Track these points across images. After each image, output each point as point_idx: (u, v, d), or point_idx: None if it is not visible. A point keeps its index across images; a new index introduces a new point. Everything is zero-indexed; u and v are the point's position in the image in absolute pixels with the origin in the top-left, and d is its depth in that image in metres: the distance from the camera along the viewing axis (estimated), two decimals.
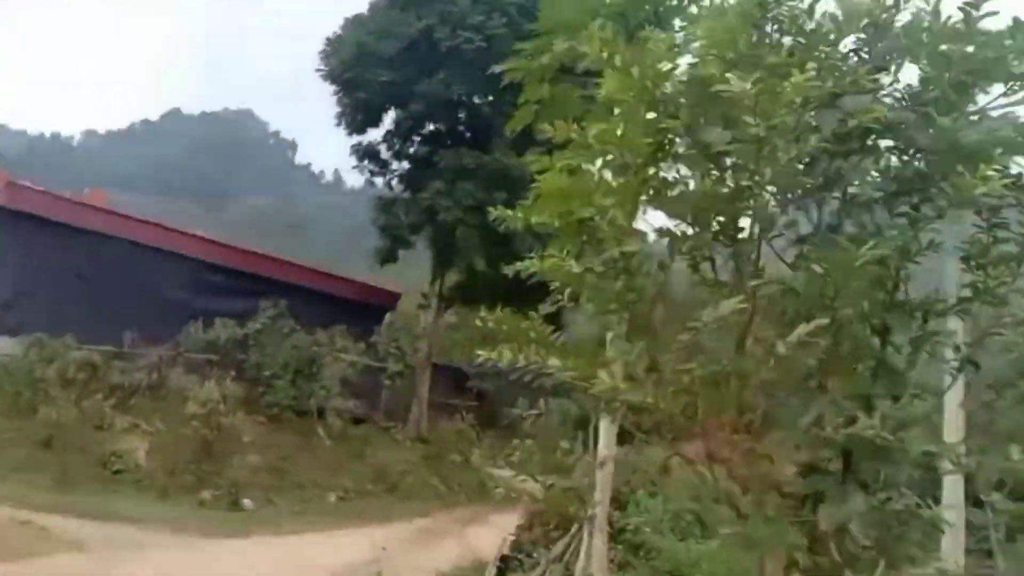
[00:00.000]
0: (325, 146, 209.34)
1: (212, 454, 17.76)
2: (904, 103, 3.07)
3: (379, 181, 25.66)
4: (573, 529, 8.78)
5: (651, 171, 3.23)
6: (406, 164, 25.04)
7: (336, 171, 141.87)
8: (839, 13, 3.03)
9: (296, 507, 17.53)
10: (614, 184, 3.21)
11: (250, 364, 20.81)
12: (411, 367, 23.88)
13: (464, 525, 18.93)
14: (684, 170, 3.31)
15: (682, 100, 3.13)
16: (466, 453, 24.00)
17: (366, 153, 24.95)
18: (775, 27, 3.20)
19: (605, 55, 3.11)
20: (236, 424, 18.55)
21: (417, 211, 23.19)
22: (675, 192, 3.27)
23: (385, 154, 24.95)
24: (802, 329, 2.69)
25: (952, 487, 6.47)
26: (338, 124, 24.26)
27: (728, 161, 3.09)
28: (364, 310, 25.16)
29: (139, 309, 20.50)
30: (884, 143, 3.12)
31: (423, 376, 24.56)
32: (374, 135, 24.96)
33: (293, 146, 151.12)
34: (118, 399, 18.02)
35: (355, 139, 24.82)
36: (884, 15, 3.05)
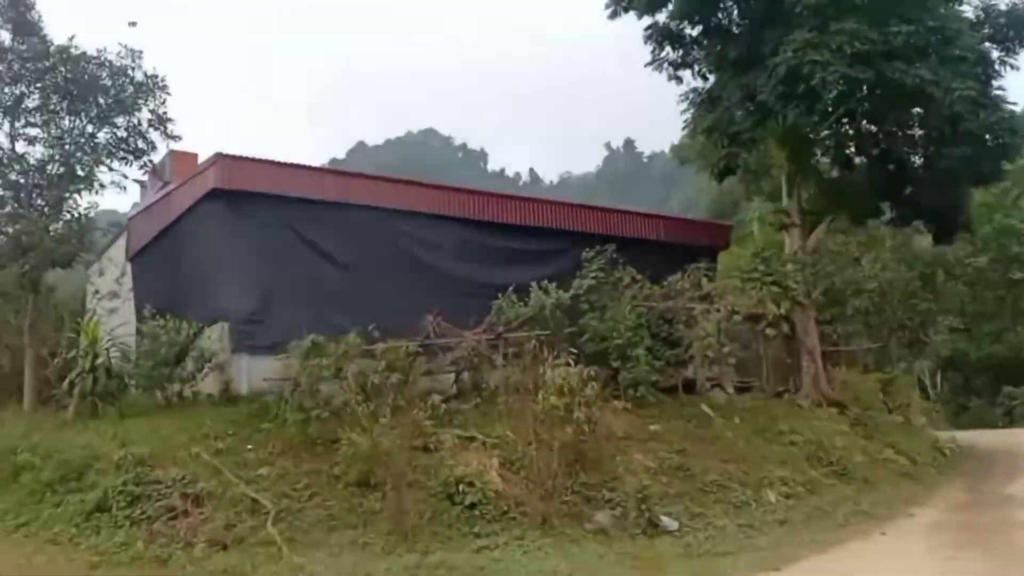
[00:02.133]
0: (514, 149, 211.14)
1: (587, 461, 12.12)
2: None
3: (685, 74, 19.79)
4: None
5: None
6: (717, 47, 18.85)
7: (531, 170, 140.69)
8: None
9: (737, 518, 11.40)
10: None
11: (590, 335, 15.12)
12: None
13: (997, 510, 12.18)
14: None
15: None
16: (903, 412, 16.97)
17: (663, 35, 19.01)
18: None
19: None
20: (599, 416, 12.78)
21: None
22: None
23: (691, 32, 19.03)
24: None
25: None
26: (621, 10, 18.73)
27: None
28: (691, 253, 18.77)
29: (413, 292, 15.56)
30: None
31: (807, 321, 17.79)
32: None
33: (483, 155, 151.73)
34: (430, 406, 12.81)
35: (645, 22, 19.26)
36: None
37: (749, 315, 16.04)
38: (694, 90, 20.11)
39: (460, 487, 10.89)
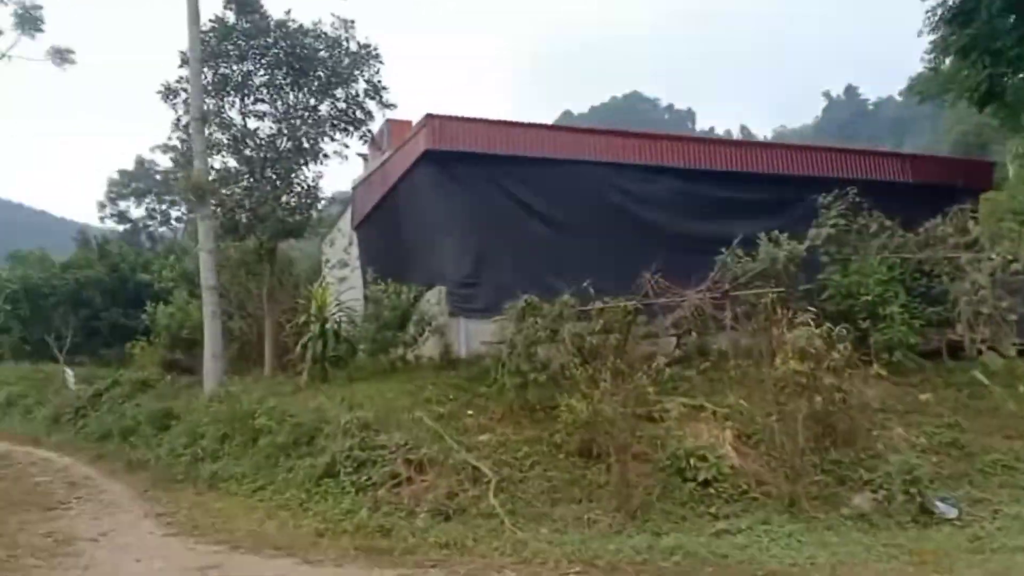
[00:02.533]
0: (724, 108, 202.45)
1: (838, 436, 10.66)
2: None
3: None
4: None
5: None
6: None
7: (743, 127, 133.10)
8: None
9: None
10: None
11: (832, 291, 13.44)
12: None
13: None
14: None
15: None
16: None
17: None
18: None
19: None
20: (850, 383, 11.22)
21: None
22: None
23: None
24: None
25: None
26: None
27: None
28: (945, 197, 16.16)
29: (628, 250, 14.49)
30: None
31: None
32: None
33: (691, 115, 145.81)
34: (653, 371, 11.81)
35: None
36: None
37: None
38: (942, 3, 17.34)
39: (691, 461, 9.87)
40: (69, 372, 24.57)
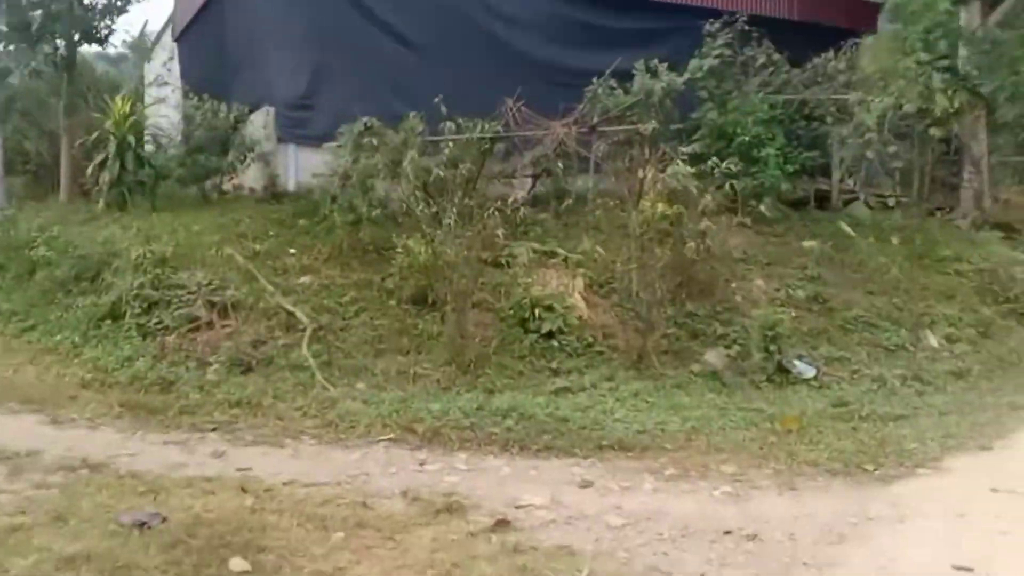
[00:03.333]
0: None
1: (696, 286, 9.95)
2: None
3: None
4: None
5: None
6: None
7: None
8: None
9: (892, 365, 9.14)
10: None
11: (707, 131, 12.45)
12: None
13: None
14: None
15: None
16: None
17: None
18: None
19: None
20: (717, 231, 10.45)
21: None
22: None
23: None
24: None
25: None
26: None
27: None
28: (828, 36, 15.20)
29: (492, 77, 12.82)
30: None
31: (976, 123, 14.49)
32: None
33: None
34: (507, 211, 10.61)
35: None
36: None
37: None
38: None
39: (536, 311, 8.87)
40: None
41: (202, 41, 16.69)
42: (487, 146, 11.15)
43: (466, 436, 6.73)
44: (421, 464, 6.14)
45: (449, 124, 10.83)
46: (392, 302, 9.30)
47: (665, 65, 12.36)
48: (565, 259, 10.12)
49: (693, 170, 10.05)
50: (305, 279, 9.86)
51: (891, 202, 13.50)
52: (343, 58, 13.18)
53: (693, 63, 12.57)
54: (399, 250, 9.46)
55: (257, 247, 10.49)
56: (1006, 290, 11.37)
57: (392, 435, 6.68)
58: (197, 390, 7.50)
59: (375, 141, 10.58)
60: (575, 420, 7.14)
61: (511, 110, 11.60)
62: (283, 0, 13.37)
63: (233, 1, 14.89)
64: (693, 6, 15.26)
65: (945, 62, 13.30)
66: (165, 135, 13.85)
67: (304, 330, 8.66)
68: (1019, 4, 14.58)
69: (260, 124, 13.32)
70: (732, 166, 11.61)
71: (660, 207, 9.88)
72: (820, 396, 8.30)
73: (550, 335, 8.78)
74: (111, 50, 19.09)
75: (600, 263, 9.95)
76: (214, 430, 6.66)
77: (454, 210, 9.17)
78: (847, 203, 13.49)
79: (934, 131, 13.25)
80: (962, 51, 14.12)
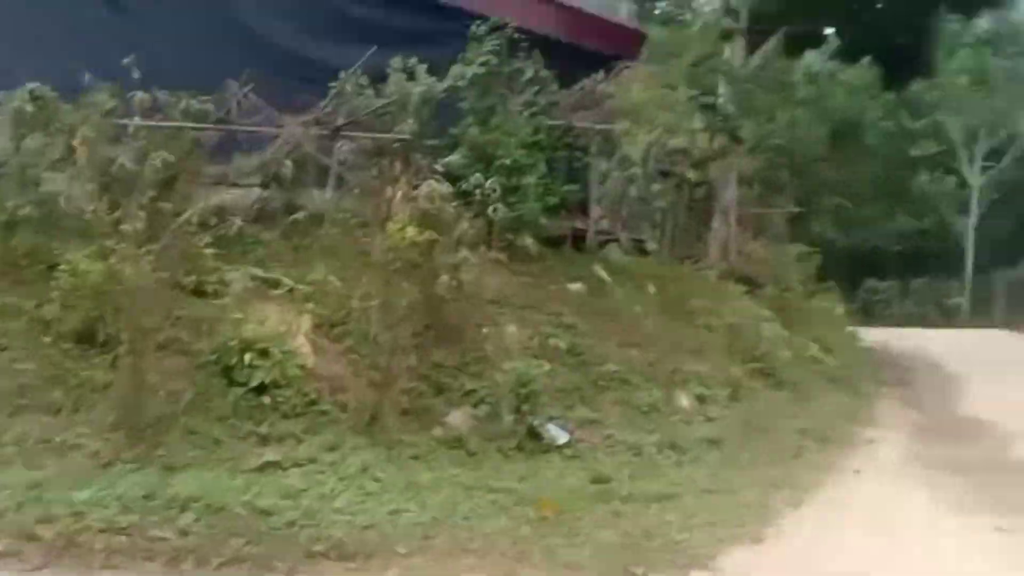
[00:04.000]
0: None
1: (442, 329, 8.72)
2: None
3: None
4: None
5: None
6: None
7: None
8: None
9: (648, 430, 8.47)
10: None
11: (467, 149, 11.30)
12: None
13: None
14: None
15: None
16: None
17: None
18: None
19: None
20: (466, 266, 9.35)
21: None
22: None
23: None
24: None
25: None
26: None
27: None
28: (593, 62, 14.83)
29: (224, 65, 10.86)
30: None
31: (728, 168, 14.78)
32: None
33: None
34: (216, 226, 8.71)
35: None
36: None
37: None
38: None
39: (246, 357, 7.16)
40: None
41: None
42: (195, 134, 9.24)
43: (118, 544, 4.91)
44: None
45: (140, 96, 8.73)
46: (47, 338, 7.11)
47: (425, 68, 11.15)
48: (291, 290, 8.46)
49: (450, 191, 8.91)
50: None
51: (651, 246, 13.26)
52: (27, 21, 10.62)
53: (455, 69, 11.42)
54: (63, 266, 7.31)
55: None
56: (753, 348, 11.41)
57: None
58: None
59: (45, 119, 8.31)
60: (281, 513, 5.56)
61: (237, 97, 9.74)
62: None
63: None
64: (467, 9, 14.22)
65: (708, 99, 13.34)
66: None
67: None
68: (781, 45, 15.25)
69: None
70: (496, 188, 10.65)
71: (410, 232, 8.54)
72: (575, 469, 7.40)
73: (262, 389, 7.08)
74: None
75: (334, 297, 8.40)
76: None
77: (141, 216, 7.23)
78: (603, 245, 13.02)
79: (691, 173, 13.18)
80: (723, 90, 14.33)
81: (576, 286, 10.89)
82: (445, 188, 9.01)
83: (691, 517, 6.54)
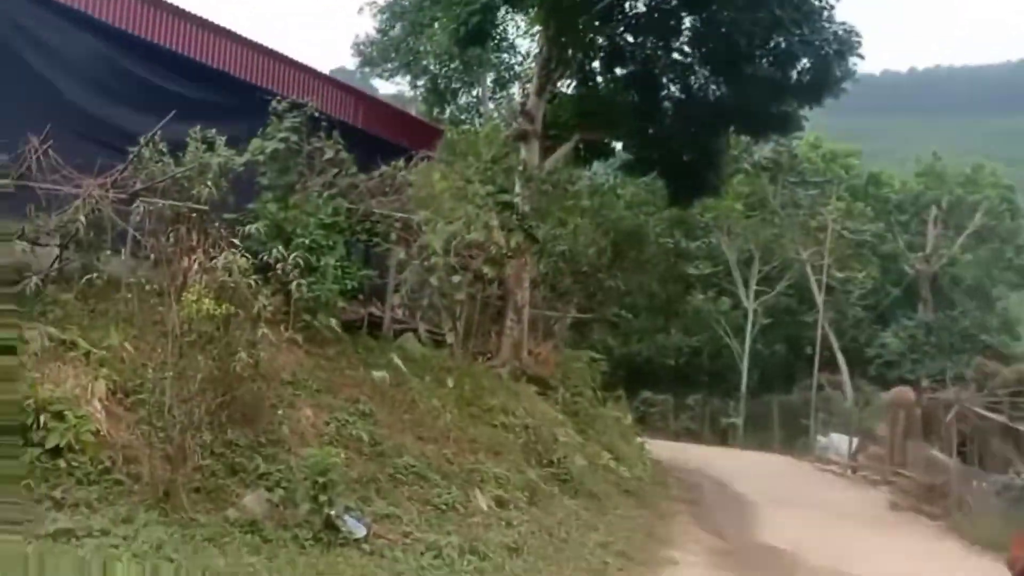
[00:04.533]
0: None
1: (240, 408, 9.39)
2: None
3: None
4: None
5: None
6: None
7: None
8: None
9: (446, 531, 9.36)
10: None
11: (264, 225, 12.06)
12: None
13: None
14: None
15: None
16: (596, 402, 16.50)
17: None
18: None
19: None
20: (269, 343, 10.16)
21: None
22: None
23: None
24: None
25: None
26: None
27: None
28: (393, 153, 16.16)
29: (17, 121, 11.06)
30: None
31: (521, 267, 16.50)
32: None
33: None
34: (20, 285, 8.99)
35: None
36: None
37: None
38: None
39: (42, 418, 7.52)
40: None
41: None
42: None
43: None
44: None
45: None
46: None
47: (224, 140, 11.95)
48: (87, 354, 8.81)
49: (248, 264, 9.69)
50: None
51: (449, 338, 14.49)
52: None
53: (255, 143, 12.39)
54: None
55: None
56: (549, 452, 12.68)
57: None
58: None
59: None
60: None
61: (34, 152, 10.03)
62: None
63: None
64: (271, 89, 15.13)
65: (505, 197, 14.95)
66: None
67: None
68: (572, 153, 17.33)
69: None
70: (298, 262, 11.52)
71: (206, 304, 9.22)
72: (373, 565, 8.10)
73: (56, 452, 7.46)
74: None
75: (129, 364, 8.87)
76: None
77: None
78: (398, 333, 14.10)
79: (488, 269, 14.59)
80: (519, 189, 16.06)
81: (379, 374, 11.76)
82: (243, 261, 9.73)
83: None
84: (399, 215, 13.61)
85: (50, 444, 7.44)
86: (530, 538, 10.01)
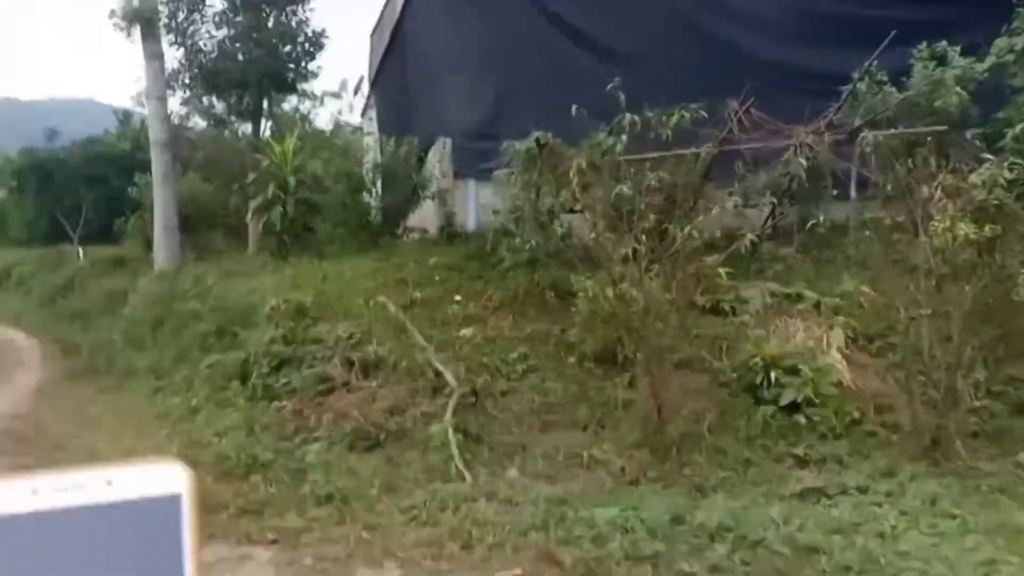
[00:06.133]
0: None
1: (1015, 339, 6.87)
2: None
3: None
4: None
5: None
6: None
7: None
8: None
9: None
10: None
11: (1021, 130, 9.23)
12: None
13: None
14: None
15: None
16: None
17: None
18: None
19: None
20: None
21: None
22: None
23: None
24: None
25: None
26: None
27: None
28: None
29: (709, 88, 10.26)
30: None
31: None
32: None
33: None
34: (732, 246, 8.07)
35: None
36: None
37: None
38: None
39: (772, 375, 6.34)
40: (81, 251, 22.90)
41: (390, 83, 15.94)
42: (705, 164, 8.82)
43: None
44: None
45: (628, 117, 8.38)
46: (571, 359, 7.19)
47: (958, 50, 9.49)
48: (817, 304, 7.47)
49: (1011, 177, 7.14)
50: (467, 331, 8.04)
51: None
52: (532, 80, 11.52)
53: (1001, 42, 9.44)
54: (579, 293, 7.35)
55: (417, 294, 8.89)
56: None
57: (519, 570, 4.41)
58: (289, 476, 5.73)
59: (552, 161, 8.61)
60: (833, 553, 4.51)
61: (734, 115, 9.19)
62: (455, 13, 12.05)
63: (411, 34, 13.91)
64: None
65: None
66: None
67: (450, 394, 6.75)
68: None
69: (435, 159, 11.97)
70: None
71: (963, 229, 6.95)
72: None
73: (793, 407, 6.19)
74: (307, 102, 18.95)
75: (869, 309, 7.22)
76: (274, 542, 4.77)
77: (643, 240, 6.91)
78: None
79: None
80: None
81: None
82: (1005, 174, 7.26)
83: None
84: None
85: (785, 400, 6.17)
86: None
